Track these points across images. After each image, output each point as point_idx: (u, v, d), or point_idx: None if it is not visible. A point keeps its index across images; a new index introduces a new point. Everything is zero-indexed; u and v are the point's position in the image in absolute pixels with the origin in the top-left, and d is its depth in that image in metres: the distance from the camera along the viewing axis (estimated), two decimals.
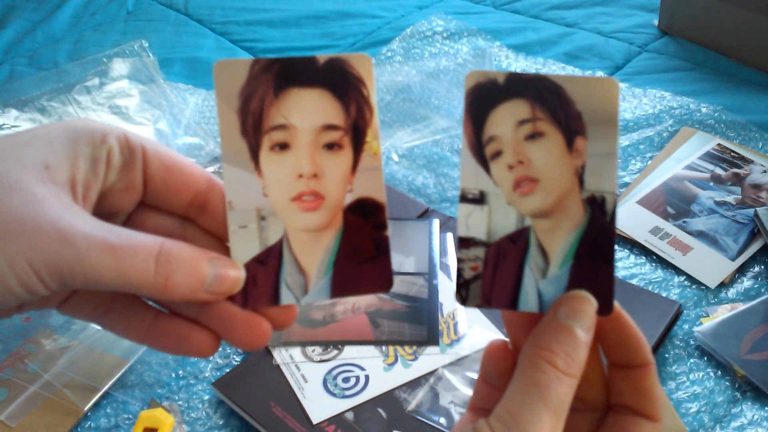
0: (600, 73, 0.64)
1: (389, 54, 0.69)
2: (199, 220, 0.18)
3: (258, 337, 0.17)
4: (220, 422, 0.38)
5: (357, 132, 0.17)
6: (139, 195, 0.17)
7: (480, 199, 0.18)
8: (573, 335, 0.16)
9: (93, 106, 0.58)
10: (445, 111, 0.60)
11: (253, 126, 0.17)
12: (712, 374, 0.39)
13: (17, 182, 0.14)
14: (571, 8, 0.74)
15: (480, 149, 0.18)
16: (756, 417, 0.37)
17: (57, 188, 0.15)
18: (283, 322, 0.18)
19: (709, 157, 0.52)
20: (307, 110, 0.17)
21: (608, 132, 0.17)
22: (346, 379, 0.38)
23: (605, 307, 0.17)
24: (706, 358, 0.40)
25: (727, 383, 0.38)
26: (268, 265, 0.18)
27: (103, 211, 0.17)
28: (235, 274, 0.17)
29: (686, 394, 0.38)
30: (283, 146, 0.17)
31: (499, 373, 0.19)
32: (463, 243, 0.18)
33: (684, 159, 0.52)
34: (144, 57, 0.64)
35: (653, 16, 0.70)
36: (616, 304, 0.18)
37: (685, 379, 0.39)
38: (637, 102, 0.60)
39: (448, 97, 0.61)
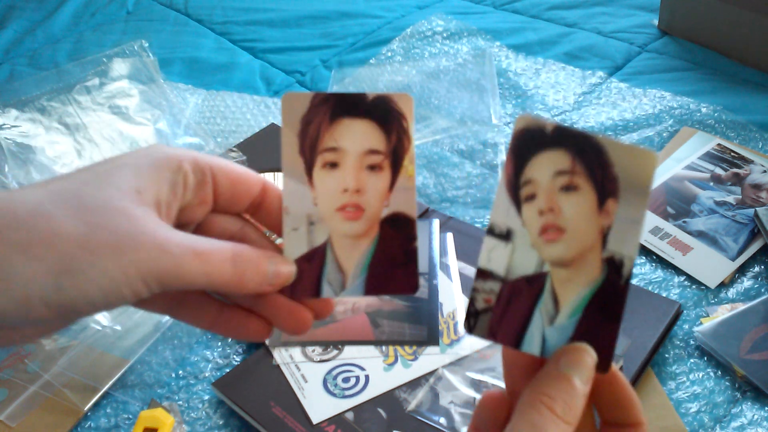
0: (600, 73, 0.64)
1: (389, 54, 0.69)
2: (255, 216, 0.22)
3: (301, 323, 0.21)
4: (220, 422, 0.38)
5: (396, 157, 0.21)
6: (210, 206, 0.21)
7: (506, 236, 0.19)
8: (572, 384, 0.17)
9: (93, 106, 0.58)
10: (445, 111, 0.60)
11: (309, 147, 0.21)
12: (712, 374, 0.39)
13: (120, 206, 0.18)
14: (571, 8, 0.74)
15: (516, 189, 0.19)
16: (756, 417, 0.37)
17: (148, 209, 0.18)
18: (323, 312, 0.21)
19: (709, 157, 0.52)
20: (356, 137, 0.21)
21: (639, 200, 0.18)
22: (346, 379, 0.38)
23: (604, 365, 0.18)
24: (706, 358, 0.40)
25: (727, 383, 0.38)
26: (313, 263, 0.21)
27: (181, 222, 0.20)
28: (288, 270, 0.20)
29: (686, 394, 0.38)
30: (333, 165, 0.21)
31: (494, 423, 0.19)
32: (481, 274, 0.19)
33: (684, 159, 0.52)
34: (144, 57, 0.64)
35: (653, 16, 0.70)
36: (613, 364, 0.18)
37: (685, 379, 0.39)
38: (637, 102, 0.60)
39: (448, 97, 0.61)
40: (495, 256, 0.19)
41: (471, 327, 0.19)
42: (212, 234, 0.21)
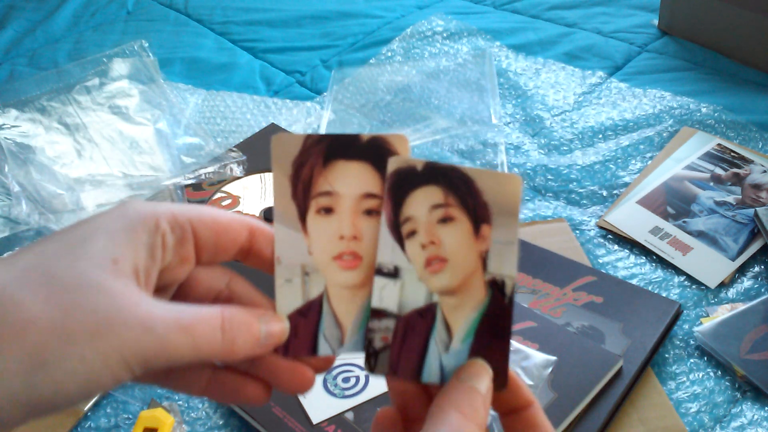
0: (600, 73, 0.64)
1: (389, 54, 0.69)
2: (246, 262, 0.20)
3: (303, 382, 0.19)
4: (220, 422, 0.38)
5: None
6: (193, 264, 0.19)
7: (394, 274, 0.19)
8: (475, 392, 0.18)
9: (93, 106, 0.59)
10: (445, 111, 0.60)
11: (302, 191, 0.20)
12: (712, 374, 0.39)
13: (96, 281, 0.16)
14: (571, 8, 0.74)
15: (397, 227, 0.19)
16: (756, 417, 0.37)
17: (126, 280, 0.17)
18: (323, 367, 0.20)
19: (709, 157, 0.52)
20: (351, 180, 0.20)
21: (510, 222, 0.19)
22: (346, 379, 0.38)
23: (500, 381, 0.19)
24: (706, 358, 0.40)
25: (727, 383, 0.38)
26: (308, 318, 0.20)
27: (162, 284, 0.19)
28: (281, 328, 0.19)
29: (686, 394, 0.38)
30: (328, 210, 0.20)
31: None
32: (375, 314, 0.19)
33: (684, 159, 0.52)
34: (144, 57, 0.64)
35: (653, 16, 0.70)
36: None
37: (685, 379, 0.39)
38: (637, 102, 0.60)
39: (448, 97, 0.61)
40: (386, 295, 0.19)
41: (372, 367, 0.19)
42: (197, 293, 0.19)
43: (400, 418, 0.20)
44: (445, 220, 0.19)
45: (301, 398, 0.37)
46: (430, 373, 0.19)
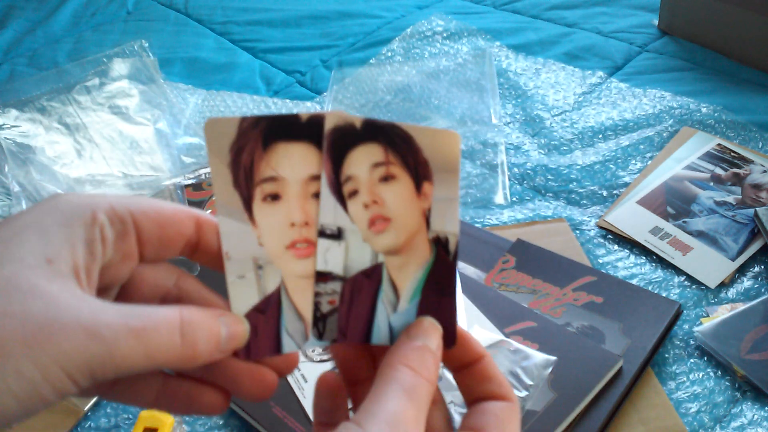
0: (600, 73, 0.64)
1: (389, 54, 0.69)
2: (194, 258, 0.19)
3: (265, 388, 0.18)
4: (220, 422, 0.38)
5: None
6: (136, 261, 0.17)
7: (338, 235, 0.19)
8: (425, 349, 0.18)
9: (93, 106, 0.59)
10: (445, 111, 0.60)
11: (244, 178, 0.18)
12: (712, 374, 0.39)
13: (28, 285, 0.14)
14: (571, 8, 0.74)
15: (338, 187, 0.19)
16: (756, 417, 0.37)
17: (64, 281, 0.15)
18: (287, 368, 0.19)
19: (709, 157, 0.52)
20: (295, 163, 0.18)
21: (451, 179, 0.19)
22: None
23: (449, 339, 0.19)
24: (706, 358, 0.40)
25: (727, 383, 0.38)
26: (268, 314, 0.18)
27: (103, 284, 0.17)
28: (242, 329, 0.17)
29: (686, 394, 0.38)
30: (275, 197, 0.18)
31: (334, 406, 0.20)
32: (320, 277, 0.19)
33: (684, 159, 0.52)
34: (144, 57, 0.64)
35: (653, 16, 0.70)
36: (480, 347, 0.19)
37: (685, 379, 0.39)
38: (637, 102, 0.60)
39: (448, 97, 0.61)
40: (331, 257, 0.18)
41: (320, 332, 0.19)
42: (142, 294, 0.17)
43: (343, 381, 0.20)
44: (387, 178, 0.18)
45: (301, 398, 0.37)
46: (379, 334, 0.19)
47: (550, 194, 0.52)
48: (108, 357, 0.14)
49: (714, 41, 0.64)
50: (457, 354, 0.19)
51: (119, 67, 0.62)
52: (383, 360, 0.18)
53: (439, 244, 0.19)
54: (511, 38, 0.69)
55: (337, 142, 0.18)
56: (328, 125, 0.18)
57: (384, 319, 0.19)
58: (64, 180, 0.52)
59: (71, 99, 0.59)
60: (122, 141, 0.56)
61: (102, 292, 0.17)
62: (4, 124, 0.56)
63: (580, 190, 0.52)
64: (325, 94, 0.64)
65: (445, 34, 0.71)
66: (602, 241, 0.48)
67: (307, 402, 0.37)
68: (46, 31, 0.77)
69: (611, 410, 0.35)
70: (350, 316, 0.19)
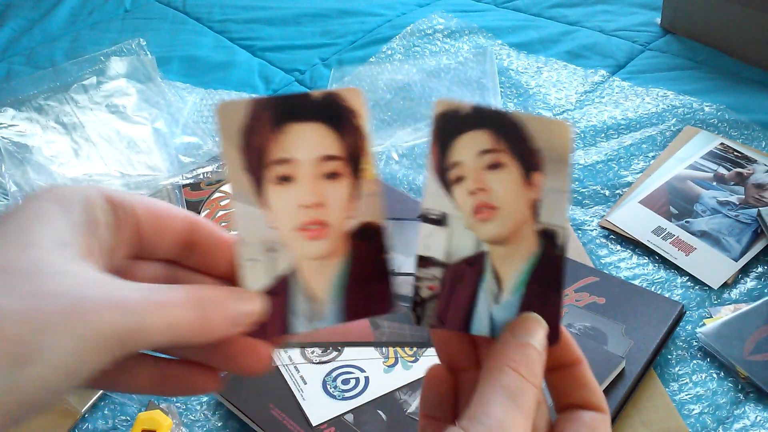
0: (603, 72, 0.63)
1: (389, 52, 0.68)
2: (184, 260, 0.18)
3: (262, 362, 0.18)
4: (219, 424, 0.38)
5: (354, 160, 0.18)
6: (136, 248, 0.18)
7: (441, 221, 0.19)
8: (531, 350, 0.17)
9: (90, 105, 0.58)
10: None
11: (256, 161, 0.18)
12: (714, 375, 0.38)
13: (54, 266, 0.14)
14: (573, 6, 0.73)
15: (444, 173, 0.19)
16: (759, 419, 0.36)
17: (83, 262, 0.15)
18: (281, 341, 0.19)
19: (712, 156, 0.52)
20: (306, 143, 0.18)
21: (561, 170, 0.18)
22: (345, 381, 0.37)
23: (553, 335, 0.18)
24: (708, 360, 0.39)
25: (730, 384, 0.38)
26: (278, 296, 0.18)
27: (106, 270, 0.17)
28: (259, 307, 0.18)
29: (689, 396, 0.38)
30: (286, 179, 0.18)
31: (441, 401, 0.19)
32: (421, 262, 0.19)
33: (687, 158, 0.52)
34: (142, 55, 0.63)
35: (656, 14, 0.70)
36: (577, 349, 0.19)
37: (687, 380, 0.38)
38: (639, 101, 0.59)
39: (449, 95, 0.61)
40: (433, 242, 0.18)
41: (419, 317, 0.19)
42: (141, 279, 0.17)
43: (449, 377, 0.19)
44: (494, 166, 0.18)
45: (300, 400, 0.37)
46: (480, 324, 0.19)
47: None
48: (138, 329, 0.15)
49: (717, 40, 0.64)
50: (556, 354, 0.19)
51: (117, 65, 0.62)
52: (488, 359, 0.17)
53: (547, 236, 0.18)
54: (512, 36, 0.69)
55: (444, 128, 0.18)
56: (437, 110, 0.18)
57: (485, 309, 0.19)
58: (61, 180, 0.51)
59: (68, 98, 0.58)
60: (120, 140, 0.56)
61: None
62: (1, 124, 0.55)
63: (582, 190, 0.51)
64: None
65: (445, 33, 0.70)
66: (604, 241, 0.47)
67: (306, 403, 0.36)
68: (44, 30, 0.77)
69: (613, 412, 0.35)
70: (450, 304, 0.19)
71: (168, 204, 0.18)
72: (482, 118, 0.18)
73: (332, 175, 0.18)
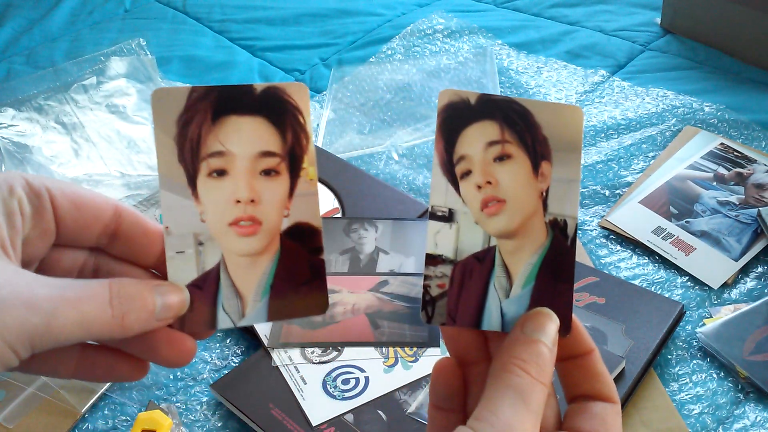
0: (603, 72, 0.63)
1: (389, 52, 0.68)
2: (110, 249, 0.18)
3: (184, 353, 0.18)
4: (219, 424, 0.38)
5: (294, 158, 0.18)
6: (53, 238, 0.17)
7: (449, 217, 0.18)
8: (540, 347, 0.17)
9: (90, 105, 0.58)
10: None
11: (190, 152, 0.17)
12: (714, 375, 0.38)
13: None
14: (573, 6, 0.73)
15: (451, 167, 0.18)
16: (759, 419, 0.36)
17: None
18: (204, 335, 0.18)
19: (712, 156, 0.52)
20: (245, 137, 0.17)
21: (572, 158, 0.18)
22: (345, 381, 0.37)
23: (564, 327, 0.18)
24: (708, 360, 0.39)
25: (730, 384, 0.38)
26: (205, 290, 0.18)
27: (23, 260, 0.17)
28: (180, 299, 0.17)
29: (689, 396, 0.38)
30: (221, 173, 0.18)
31: (451, 393, 0.19)
32: (430, 260, 0.19)
33: (687, 158, 0.52)
34: (142, 55, 0.63)
35: (656, 14, 0.70)
36: (589, 337, 0.18)
37: (687, 380, 0.38)
38: (639, 101, 0.59)
39: None
40: (441, 240, 0.18)
41: (429, 316, 0.19)
42: (59, 272, 0.17)
43: (457, 365, 0.19)
44: (502, 157, 0.18)
45: (300, 400, 0.37)
46: (491, 320, 0.18)
47: None
48: (47, 328, 0.14)
49: (717, 40, 0.64)
50: (567, 344, 0.18)
51: (117, 65, 0.62)
52: (496, 356, 0.17)
53: (557, 227, 0.18)
54: (512, 36, 0.69)
55: (450, 120, 0.18)
56: (442, 102, 0.18)
57: (496, 304, 0.18)
58: (61, 180, 0.51)
59: (68, 98, 0.58)
60: (120, 140, 0.56)
61: (23, 267, 0.17)
62: (1, 124, 0.55)
63: (582, 190, 0.51)
64: (324, 92, 0.64)
65: (445, 32, 0.70)
66: (604, 241, 0.47)
67: (306, 403, 0.36)
68: (44, 30, 0.77)
69: None
70: (460, 301, 0.18)
71: (92, 191, 0.17)
72: (489, 108, 0.18)
73: (269, 172, 0.18)
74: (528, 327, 0.17)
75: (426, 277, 0.18)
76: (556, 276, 0.18)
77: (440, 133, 0.18)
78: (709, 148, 0.53)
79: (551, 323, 0.17)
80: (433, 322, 0.19)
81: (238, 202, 0.18)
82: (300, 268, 0.18)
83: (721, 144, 0.53)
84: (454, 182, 0.18)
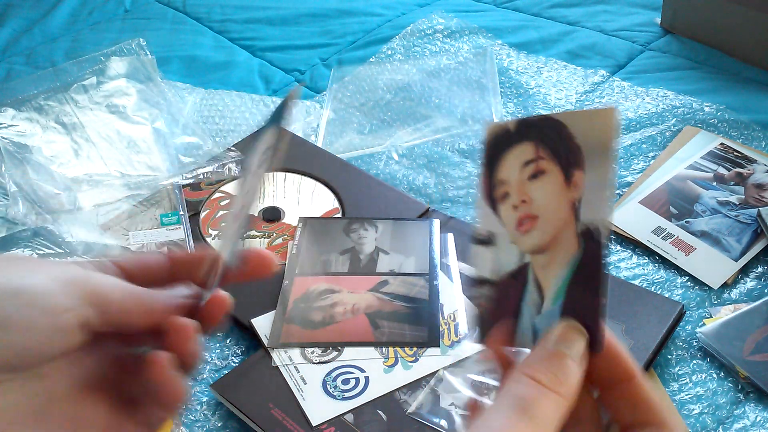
0: (603, 72, 0.63)
1: (389, 52, 0.68)
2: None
3: (269, 267, 0.20)
4: (219, 424, 0.38)
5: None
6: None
7: (488, 240, 0.19)
8: (562, 359, 0.16)
9: (90, 105, 0.58)
10: (446, 110, 0.60)
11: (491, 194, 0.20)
12: (714, 375, 0.38)
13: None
14: (573, 6, 0.73)
15: (491, 193, 0.19)
16: (759, 419, 0.36)
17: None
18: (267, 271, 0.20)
19: (712, 156, 0.52)
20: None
21: (604, 159, 0.17)
22: (345, 381, 0.37)
23: (594, 343, 0.17)
24: (708, 360, 0.39)
25: (730, 385, 0.38)
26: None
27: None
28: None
29: (689, 396, 0.38)
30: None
31: None
32: (477, 283, 0.19)
33: (687, 158, 0.52)
34: (142, 55, 0.63)
35: (656, 14, 0.70)
36: (636, 365, 0.18)
37: (687, 380, 0.38)
38: (639, 101, 0.59)
39: (448, 95, 0.61)
40: (482, 262, 0.19)
41: (479, 336, 0.19)
42: None
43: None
44: (536, 175, 0.18)
45: (300, 400, 0.37)
46: (523, 338, 0.18)
47: None
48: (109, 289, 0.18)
49: (717, 40, 0.64)
50: (604, 368, 0.17)
51: (117, 65, 0.62)
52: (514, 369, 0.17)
53: (589, 236, 0.17)
54: (512, 36, 0.69)
55: (493, 150, 0.19)
56: (487, 136, 0.19)
57: (529, 321, 0.18)
58: (61, 180, 0.51)
59: (68, 98, 0.58)
60: (120, 140, 0.56)
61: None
62: (1, 124, 0.55)
63: None
64: (324, 92, 0.64)
65: (445, 33, 0.70)
66: None
67: (306, 403, 0.36)
68: (44, 30, 0.77)
69: None
70: (497, 319, 0.19)
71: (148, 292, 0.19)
72: (526, 130, 0.18)
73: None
74: (551, 339, 0.17)
75: (473, 299, 0.20)
76: (585, 288, 0.17)
77: (483, 165, 0.19)
78: (709, 148, 0.53)
79: (577, 336, 0.17)
80: (480, 341, 0.19)
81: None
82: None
83: (721, 144, 0.53)
84: (494, 206, 0.19)
